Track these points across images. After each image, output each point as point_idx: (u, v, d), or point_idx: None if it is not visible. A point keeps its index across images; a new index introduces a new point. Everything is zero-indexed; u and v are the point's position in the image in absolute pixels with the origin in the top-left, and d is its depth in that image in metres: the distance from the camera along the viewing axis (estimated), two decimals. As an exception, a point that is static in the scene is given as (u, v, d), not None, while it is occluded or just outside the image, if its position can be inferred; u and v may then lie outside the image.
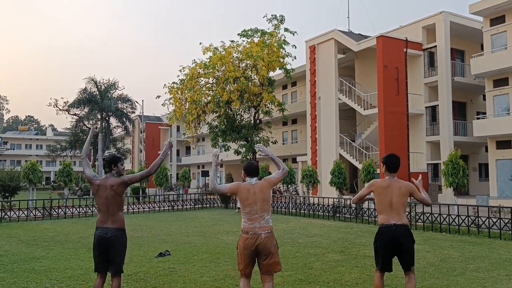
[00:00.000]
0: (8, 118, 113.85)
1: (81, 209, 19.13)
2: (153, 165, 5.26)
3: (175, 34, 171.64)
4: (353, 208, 17.07)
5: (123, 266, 5.14)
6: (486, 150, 25.52)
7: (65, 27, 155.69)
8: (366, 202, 17.89)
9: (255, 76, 30.78)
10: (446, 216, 13.16)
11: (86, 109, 49.68)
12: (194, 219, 17.17)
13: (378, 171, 23.61)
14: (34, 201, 19.60)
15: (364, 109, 27.73)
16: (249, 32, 30.84)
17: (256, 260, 4.84)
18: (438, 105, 25.86)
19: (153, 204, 22.61)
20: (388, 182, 5.20)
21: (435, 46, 26.00)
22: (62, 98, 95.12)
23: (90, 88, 47.33)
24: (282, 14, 30.62)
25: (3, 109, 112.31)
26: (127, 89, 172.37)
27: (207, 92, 31.44)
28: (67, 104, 50.15)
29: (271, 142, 32.21)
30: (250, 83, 30.29)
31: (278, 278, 7.03)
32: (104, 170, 5.21)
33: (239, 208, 20.59)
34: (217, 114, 31.82)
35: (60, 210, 18.72)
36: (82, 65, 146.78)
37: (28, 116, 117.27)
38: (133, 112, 52.53)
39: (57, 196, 27.34)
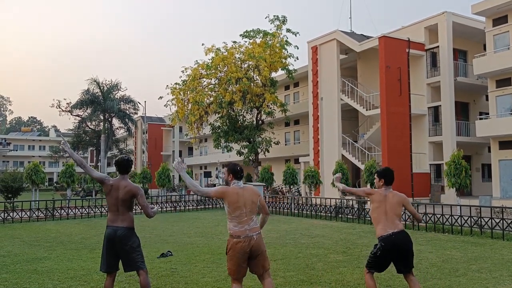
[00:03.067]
0: (11, 119, 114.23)
1: (83, 210, 19.14)
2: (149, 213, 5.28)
3: (177, 35, 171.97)
4: (356, 209, 17.05)
5: (143, 263, 5.29)
6: (489, 151, 25.43)
7: (68, 28, 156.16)
8: (369, 203, 17.93)
9: (257, 77, 30.82)
10: (449, 217, 13.13)
11: (89, 110, 49.92)
12: (196, 220, 17.17)
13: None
14: (37, 202, 19.63)
15: (367, 110, 27.69)
16: (251, 33, 30.88)
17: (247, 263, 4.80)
18: (440, 105, 25.80)
19: (155, 205, 22.61)
20: (385, 192, 5.42)
21: (438, 46, 25.94)
22: (65, 99, 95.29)
23: (93, 89, 47.54)
24: (284, 14, 30.69)
25: (6, 110, 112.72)
26: (130, 90, 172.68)
27: (210, 93, 31.49)
28: (70, 105, 50.39)
29: (274, 143, 32.23)
30: (252, 84, 30.32)
31: (280, 279, 7.03)
32: (120, 172, 5.33)
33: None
34: (219, 115, 31.87)
35: (62, 211, 18.74)
36: (85, 66, 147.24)
37: (31, 117, 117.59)
38: (136, 113, 52.73)
39: (60, 197, 27.38)
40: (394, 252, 5.21)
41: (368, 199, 5.66)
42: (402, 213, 15.00)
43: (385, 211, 5.32)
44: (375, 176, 5.58)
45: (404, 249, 5.22)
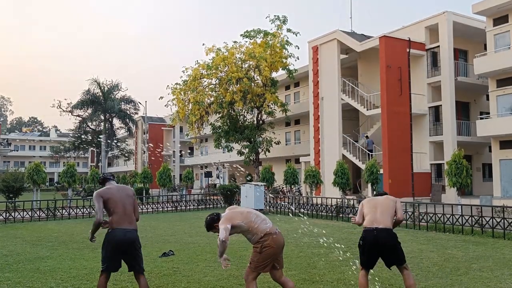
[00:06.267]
0: (12, 120, 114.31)
1: (85, 209, 19.18)
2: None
3: (178, 34, 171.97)
4: (356, 209, 17.06)
5: (143, 265, 5.57)
6: (490, 150, 25.42)
7: (69, 28, 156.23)
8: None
9: (258, 77, 30.86)
10: (450, 216, 13.15)
11: (89, 110, 49.97)
12: (197, 220, 17.18)
13: (381, 171, 23.61)
14: (38, 201, 19.68)
15: (367, 110, 27.69)
16: (252, 33, 30.91)
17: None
18: (441, 105, 25.80)
19: (156, 205, 22.67)
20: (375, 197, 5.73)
21: (438, 46, 25.94)
22: (65, 99, 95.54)
23: (94, 89, 47.62)
24: (285, 14, 30.69)
25: (6, 111, 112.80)
26: (130, 90, 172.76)
27: (210, 93, 31.54)
28: (71, 105, 50.46)
29: (274, 142, 32.25)
30: (253, 84, 30.36)
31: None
32: (108, 181, 5.48)
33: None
34: (220, 115, 31.90)
35: (64, 210, 18.79)
36: (86, 66, 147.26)
37: (32, 117, 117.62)
38: (136, 113, 52.79)
39: (61, 197, 27.43)
40: (377, 247, 5.24)
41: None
42: (404, 212, 15.02)
43: (375, 206, 5.42)
44: None
45: (387, 245, 5.24)
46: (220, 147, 33.45)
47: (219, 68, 30.38)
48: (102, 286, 5.23)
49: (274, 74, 31.90)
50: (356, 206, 17.65)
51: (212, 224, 5.12)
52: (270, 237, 4.91)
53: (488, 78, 24.35)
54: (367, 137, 27.98)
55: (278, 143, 33.33)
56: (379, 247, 5.23)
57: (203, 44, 33.17)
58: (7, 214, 17.25)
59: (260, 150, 31.43)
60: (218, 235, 4.87)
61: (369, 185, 20.84)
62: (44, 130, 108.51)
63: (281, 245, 5.03)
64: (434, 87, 26.53)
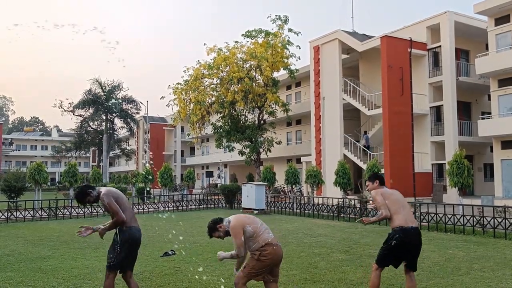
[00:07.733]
0: (14, 119, 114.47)
1: (86, 209, 19.21)
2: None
3: (179, 34, 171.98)
4: (358, 208, 17.07)
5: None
6: (491, 150, 25.39)
7: (70, 28, 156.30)
8: (371, 201, 17.95)
9: (259, 77, 30.86)
10: (451, 216, 13.15)
11: (91, 110, 50.05)
12: (198, 219, 17.21)
13: (382, 171, 23.60)
14: (40, 201, 19.71)
15: (369, 109, 27.67)
16: (253, 33, 30.92)
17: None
18: (442, 105, 25.77)
19: (157, 205, 22.70)
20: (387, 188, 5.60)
21: (440, 46, 25.91)
22: (67, 99, 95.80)
23: (95, 89, 47.71)
24: (286, 14, 30.67)
25: (8, 110, 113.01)
26: (132, 90, 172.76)
27: (211, 92, 31.55)
28: (72, 105, 50.58)
29: (275, 142, 32.26)
30: (254, 84, 30.36)
31: (283, 278, 7.05)
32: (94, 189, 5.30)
33: (243, 208, 20.63)
34: (221, 115, 31.91)
35: (65, 210, 18.82)
36: (86, 66, 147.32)
37: (33, 117, 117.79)
38: (138, 113, 52.84)
39: (63, 197, 27.46)
40: (409, 246, 5.22)
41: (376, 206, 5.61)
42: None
43: (400, 203, 5.35)
44: (368, 182, 5.65)
45: (418, 245, 5.31)
46: (222, 147, 33.47)
47: (220, 68, 30.39)
48: (112, 286, 5.20)
49: (275, 74, 31.91)
50: (357, 206, 17.65)
51: (214, 227, 5.12)
52: (271, 248, 4.91)
53: (490, 78, 24.32)
54: (365, 132, 28.09)
55: (279, 143, 33.34)
56: (414, 246, 5.25)
57: (204, 44, 33.31)
58: (9, 214, 17.28)
59: (261, 150, 31.44)
60: (234, 250, 5.02)
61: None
62: (46, 129, 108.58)
63: (280, 257, 5.03)
64: (436, 87, 26.50)
